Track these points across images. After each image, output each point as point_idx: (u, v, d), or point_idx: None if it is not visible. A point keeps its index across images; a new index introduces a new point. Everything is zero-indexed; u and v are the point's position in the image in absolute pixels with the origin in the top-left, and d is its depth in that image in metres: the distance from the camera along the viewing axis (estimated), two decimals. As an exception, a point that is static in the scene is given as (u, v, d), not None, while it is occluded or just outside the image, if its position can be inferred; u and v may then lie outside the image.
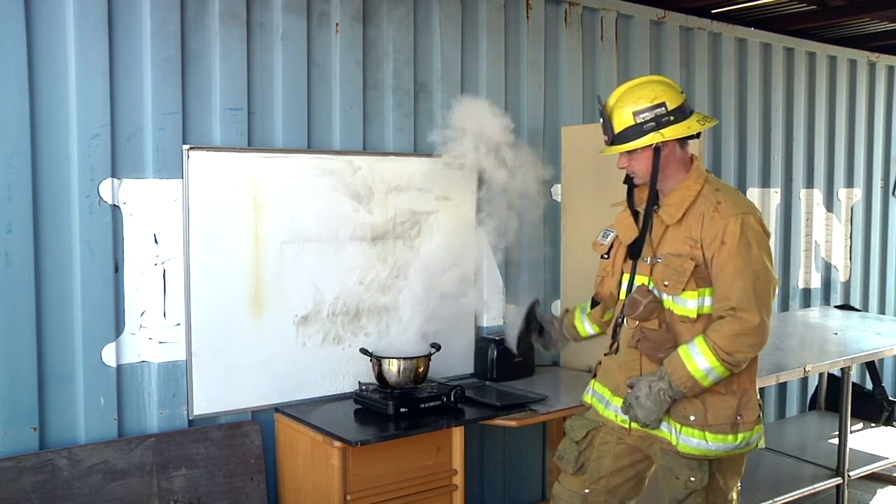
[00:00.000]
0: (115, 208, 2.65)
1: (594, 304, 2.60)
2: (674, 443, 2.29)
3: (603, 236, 2.54)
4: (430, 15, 3.37)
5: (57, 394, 2.57)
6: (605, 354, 2.50)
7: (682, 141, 2.35)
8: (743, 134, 4.61)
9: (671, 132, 2.30)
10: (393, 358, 2.87)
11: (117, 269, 2.66)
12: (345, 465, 2.60)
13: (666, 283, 2.27)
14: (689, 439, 2.26)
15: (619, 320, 2.42)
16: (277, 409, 2.95)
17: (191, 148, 2.76)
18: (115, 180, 2.64)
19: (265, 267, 2.92)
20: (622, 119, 2.31)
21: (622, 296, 2.43)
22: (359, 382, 2.99)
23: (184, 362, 2.78)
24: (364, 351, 2.95)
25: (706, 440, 2.26)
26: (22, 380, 2.50)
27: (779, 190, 4.83)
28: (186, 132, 2.77)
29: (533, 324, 2.73)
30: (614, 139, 2.33)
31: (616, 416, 2.42)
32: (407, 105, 3.31)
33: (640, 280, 2.37)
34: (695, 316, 2.26)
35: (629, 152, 2.33)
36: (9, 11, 2.44)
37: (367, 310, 3.15)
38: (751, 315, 2.18)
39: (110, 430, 2.65)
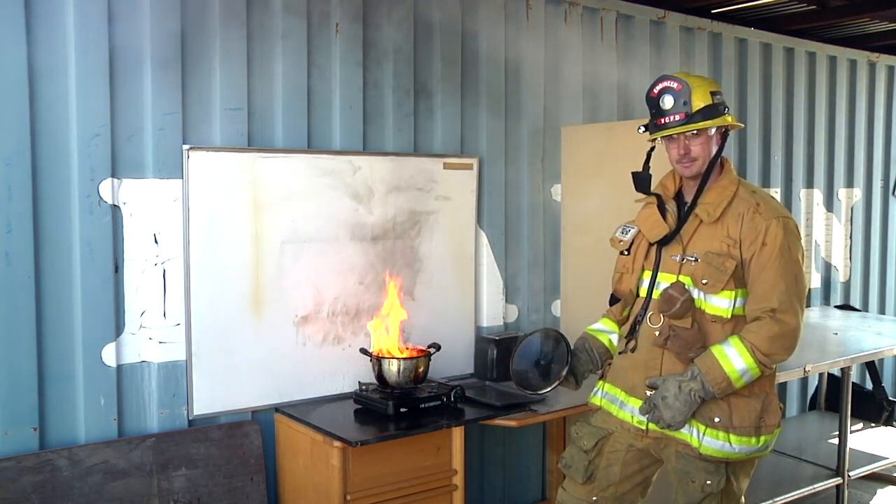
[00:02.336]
0: (115, 208, 2.65)
1: (613, 301, 2.53)
2: (695, 445, 2.25)
3: (622, 232, 2.48)
4: (429, 15, 3.37)
5: (57, 394, 2.57)
6: (620, 353, 2.45)
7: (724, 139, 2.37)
8: (743, 133, 4.60)
9: (733, 119, 2.33)
10: (393, 358, 2.87)
11: (117, 269, 2.66)
12: (345, 465, 2.60)
13: (705, 281, 2.23)
14: (713, 441, 2.24)
15: (639, 318, 2.37)
16: (277, 409, 2.95)
17: (191, 148, 2.76)
18: (115, 180, 2.64)
19: (265, 267, 2.92)
20: (702, 97, 2.26)
21: (642, 293, 2.39)
22: (359, 382, 2.98)
23: (184, 362, 2.78)
24: (364, 351, 2.94)
25: (730, 442, 2.24)
26: (22, 380, 2.50)
27: (779, 190, 4.82)
28: (186, 132, 2.77)
29: (568, 362, 2.47)
30: (690, 117, 2.26)
31: (632, 417, 2.37)
32: (407, 105, 3.30)
33: (665, 278, 2.33)
34: (728, 316, 2.23)
35: (695, 135, 2.27)
36: (8, 11, 2.44)
37: (367, 310, 3.15)
38: (790, 318, 2.18)
39: (110, 430, 2.65)
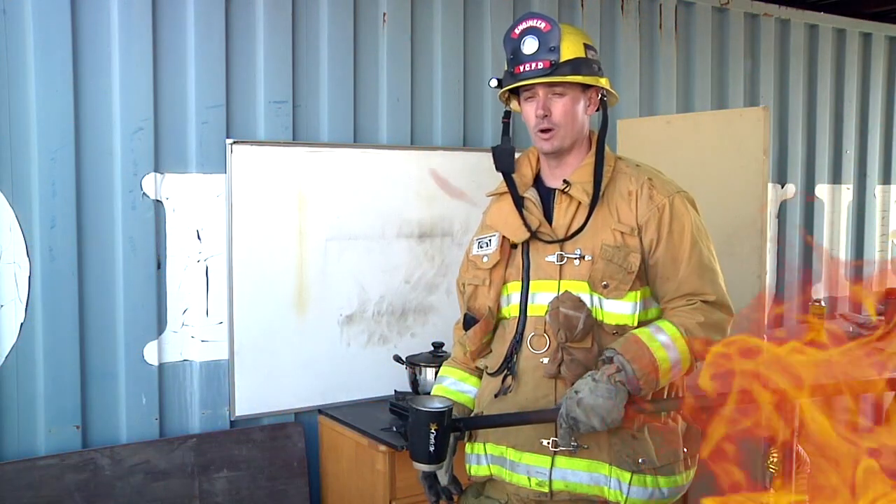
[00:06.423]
0: (158, 203, 2.61)
1: (468, 323, 1.88)
2: (621, 501, 1.73)
3: (481, 246, 1.89)
4: (480, 4, 3.25)
5: (99, 392, 2.55)
6: (495, 396, 1.82)
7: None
8: (812, 127, 4.35)
9: (609, 84, 1.84)
10: (428, 366, 2.68)
11: (160, 265, 2.62)
12: (391, 470, 2.51)
13: (605, 283, 1.74)
14: (642, 490, 1.73)
15: (515, 346, 1.80)
16: (321, 410, 2.86)
17: (234, 142, 2.70)
18: (158, 175, 2.60)
19: (309, 264, 2.85)
20: (573, 47, 1.76)
21: (509, 313, 1.83)
22: (395, 391, 2.86)
23: (226, 361, 2.72)
24: (398, 359, 2.81)
25: (659, 486, 1.75)
26: (65, 377, 2.48)
27: (851, 186, 4.55)
28: (230, 126, 2.72)
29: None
30: (557, 67, 1.74)
31: (529, 479, 1.77)
32: (456, 98, 3.19)
33: (539, 287, 1.79)
34: (634, 323, 1.74)
35: (560, 95, 1.77)
36: (54, 4, 2.42)
37: (414, 309, 3.05)
38: (726, 307, 1.77)
39: (152, 429, 2.61)
